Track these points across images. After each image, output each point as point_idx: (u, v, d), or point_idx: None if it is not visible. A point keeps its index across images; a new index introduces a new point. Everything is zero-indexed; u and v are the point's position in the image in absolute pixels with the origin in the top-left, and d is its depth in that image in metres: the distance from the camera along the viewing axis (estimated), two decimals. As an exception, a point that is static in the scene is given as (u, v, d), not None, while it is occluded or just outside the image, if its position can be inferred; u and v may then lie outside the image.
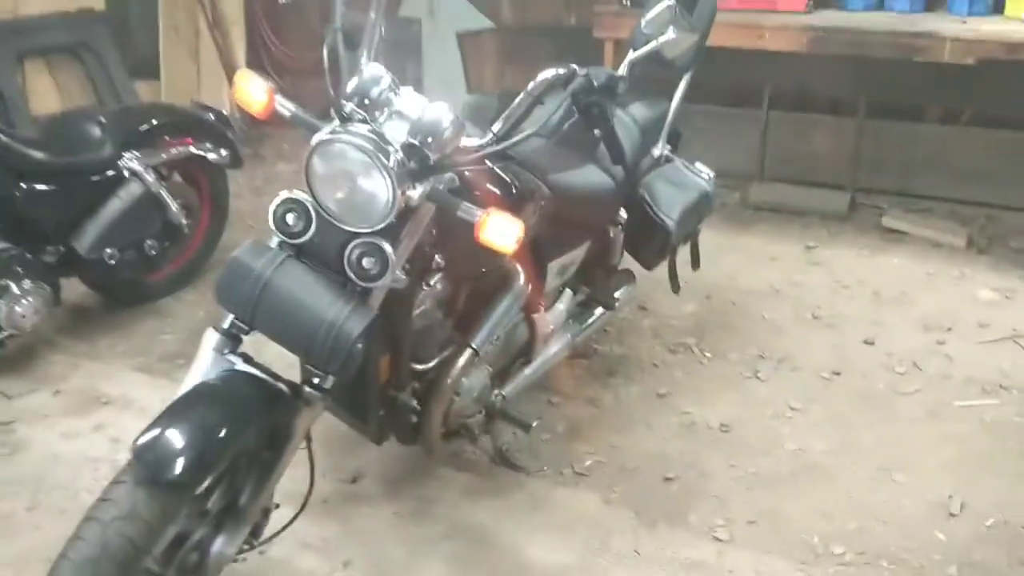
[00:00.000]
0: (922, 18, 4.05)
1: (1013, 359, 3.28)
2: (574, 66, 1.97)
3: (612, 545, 2.48)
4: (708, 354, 3.36)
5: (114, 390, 3.16)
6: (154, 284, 3.71)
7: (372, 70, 1.91)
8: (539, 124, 1.93)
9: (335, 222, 1.87)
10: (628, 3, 4.36)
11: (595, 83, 1.94)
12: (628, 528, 2.54)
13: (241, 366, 1.92)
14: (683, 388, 3.16)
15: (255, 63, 5.90)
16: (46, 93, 5.16)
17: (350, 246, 1.88)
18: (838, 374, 3.23)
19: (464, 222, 1.87)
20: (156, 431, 1.73)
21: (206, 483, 1.79)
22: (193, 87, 5.74)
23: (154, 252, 3.49)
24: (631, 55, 2.06)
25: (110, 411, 3.05)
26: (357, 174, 1.82)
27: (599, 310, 3.00)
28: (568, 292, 2.87)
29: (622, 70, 2.05)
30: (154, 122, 3.54)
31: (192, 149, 3.61)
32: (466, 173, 1.99)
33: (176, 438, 1.72)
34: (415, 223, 1.95)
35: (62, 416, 3.03)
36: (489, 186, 2.10)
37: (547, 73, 1.96)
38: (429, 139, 1.84)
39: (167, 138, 3.55)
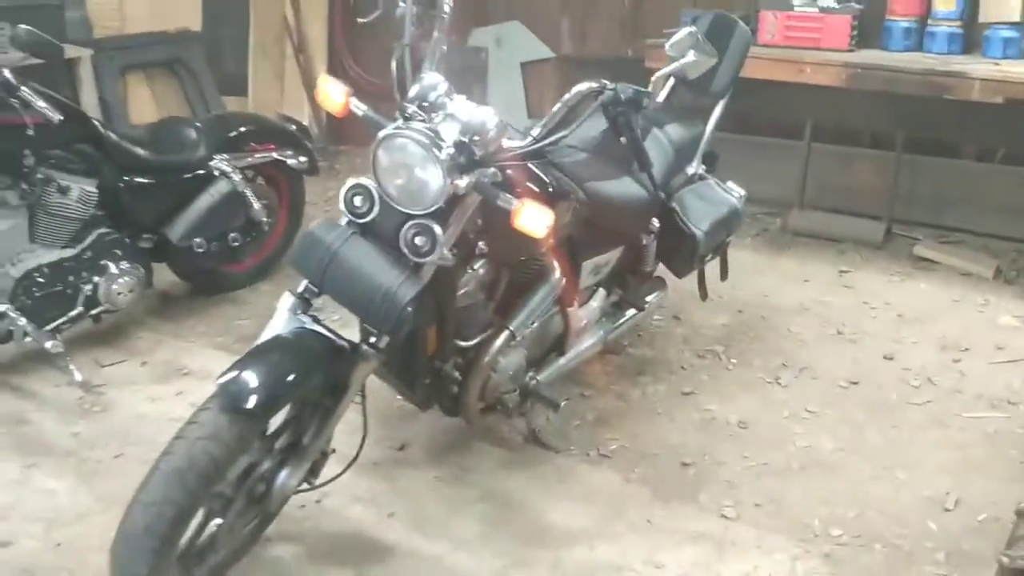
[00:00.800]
0: (958, 59, 4.27)
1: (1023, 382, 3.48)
2: (604, 81, 2.29)
3: (627, 515, 2.75)
4: (734, 361, 3.61)
5: (194, 364, 3.54)
6: (234, 275, 4.11)
7: (431, 78, 2.26)
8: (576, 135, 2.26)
9: (395, 205, 2.21)
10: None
11: (622, 96, 2.26)
12: (643, 502, 2.81)
13: (310, 325, 2.27)
14: (706, 389, 3.42)
15: (334, 85, 6.34)
16: (144, 103, 5.68)
17: (406, 226, 2.22)
18: (855, 383, 3.45)
19: (504, 212, 2.19)
20: (238, 370, 2.08)
21: (276, 419, 2.12)
22: (277, 104, 6.20)
23: (236, 244, 3.88)
24: (657, 74, 2.37)
25: (190, 381, 3.43)
26: (414, 164, 2.16)
27: (631, 311, 3.29)
28: (601, 291, 3.16)
29: (650, 87, 2.34)
30: (242, 129, 3.96)
31: (275, 155, 4.01)
32: (507, 170, 2.31)
33: (253, 376, 2.06)
34: (461, 210, 2.28)
35: (148, 383, 3.42)
36: (528, 183, 2.42)
37: (581, 86, 2.29)
38: (476, 137, 2.18)
39: (253, 144, 3.96)
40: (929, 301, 4.12)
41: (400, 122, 2.23)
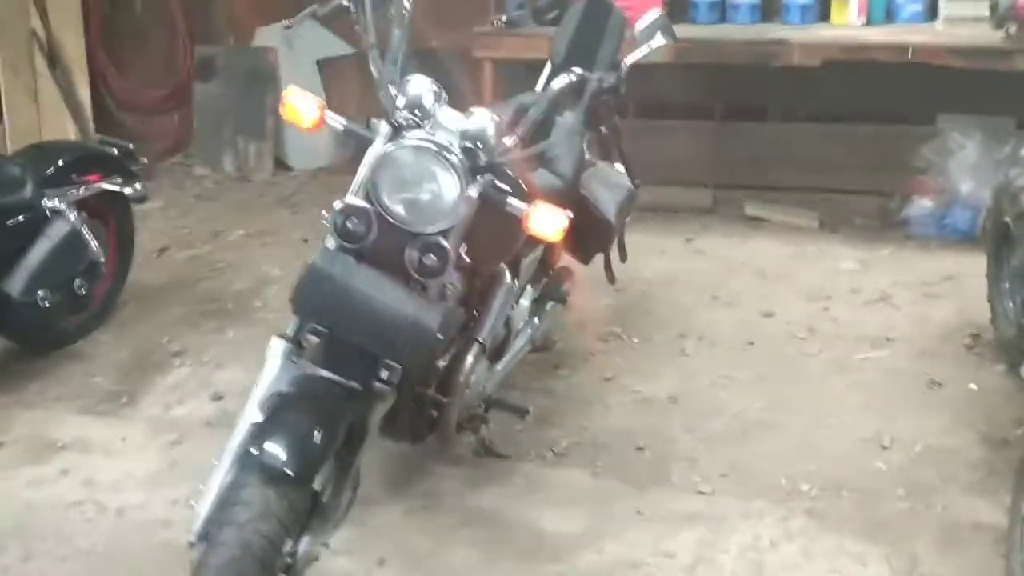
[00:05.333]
0: (765, 28, 4.57)
1: (888, 317, 3.80)
2: (578, 70, 2.22)
3: (614, 510, 2.70)
4: (636, 339, 3.66)
5: (66, 435, 3.06)
6: (69, 327, 3.59)
7: (419, 82, 2.07)
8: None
9: (400, 224, 2.00)
10: (504, 23, 4.63)
11: (604, 84, 2.19)
12: (622, 494, 2.77)
13: (310, 370, 2.01)
14: (624, 370, 3.44)
15: (97, 100, 5.71)
16: None
17: (411, 246, 2.02)
18: (752, 344, 3.62)
19: (497, 219, 2.05)
20: (270, 436, 1.81)
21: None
22: (35, 128, 5.48)
23: (83, 291, 3.39)
24: (629, 58, 2.31)
25: (71, 455, 2.96)
26: (427, 177, 1.97)
27: (550, 305, 3.23)
28: (529, 289, 3.08)
29: (622, 72, 2.29)
30: (64, 159, 3.46)
31: (104, 185, 3.53)
32: (506, 173, 2.16)
33: (284, 441, 1.81)
34: (463, 221, 2.11)
35: (19, 466, 2.92)
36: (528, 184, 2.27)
37: (563, 79, 2.19)
38: (479, 143, 2.02)
39: (77, 175, 3.47)
40: (776, 257, 4.39)
41: (390, 132, 2.02)
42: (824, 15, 4.67)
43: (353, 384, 2.03)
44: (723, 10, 4.79)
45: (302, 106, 2.02)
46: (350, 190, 2.08)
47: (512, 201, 2.04)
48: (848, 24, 4.55)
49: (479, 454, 2.92)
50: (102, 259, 3.50)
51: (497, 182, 2.08)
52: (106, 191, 3.56)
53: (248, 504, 1.72)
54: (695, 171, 5.04)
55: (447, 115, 2.06)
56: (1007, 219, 3.33)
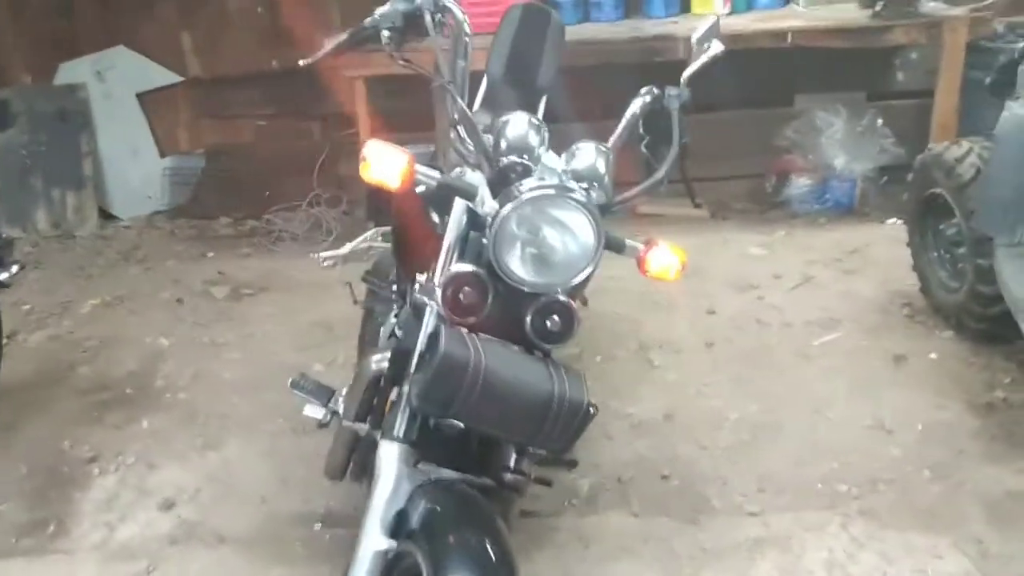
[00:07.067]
0: (638, 24, 4.52)
1: (821, 298, 3.86)
2: (653, 87, 2.01)
3: (678, 552, 2.53)
4: (598, 358, 3.49)
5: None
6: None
7: (520, 121, 1.77)
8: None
9: (521, 287, 1.70)
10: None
11: (681, 98, 1.99)
12: (674, 531, 2.60)
13: (436, 473, 1.68)
14: (606, 393, 3.24)
15: None
16: None
17: (529, 311, 1.73)
18: (712, 345, 3.55)
19: None
20: (450, 570, 1.47)
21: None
22: None
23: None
24: (688, 71, 2.11)
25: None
26: (560, 227, 1.69)
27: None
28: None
29: (681, 85, 2.09)
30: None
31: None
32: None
33: (480, 559, 1.49)
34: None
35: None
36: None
37: (643, 98, 1.99)
38: (595, 183, 1.77)
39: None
40: (686, 251, 4.33)
41: (494, 181, 1.72)
42: (686, 7, 4.70)
43: (486, 481, 1.72)
44: (586, 9, 4.70)
45: (387, 162, 1.66)
46: (444, 256, 1.75)
47: (629, 243, 1.81)
48: (713, 14, 4.58)
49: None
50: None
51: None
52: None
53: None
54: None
55: (549, 156, 1.79)
56: (937, 191, 3.46)
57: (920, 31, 4.23)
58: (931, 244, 3.62)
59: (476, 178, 1.74)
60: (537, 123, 1.80)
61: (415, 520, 1.62)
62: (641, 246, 1.82)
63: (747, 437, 3.01)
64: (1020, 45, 3.29)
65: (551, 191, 1.67)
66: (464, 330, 1.67)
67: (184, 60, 4.92)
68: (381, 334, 2.55)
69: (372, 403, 2.10)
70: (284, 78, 4.90)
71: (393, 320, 2.49)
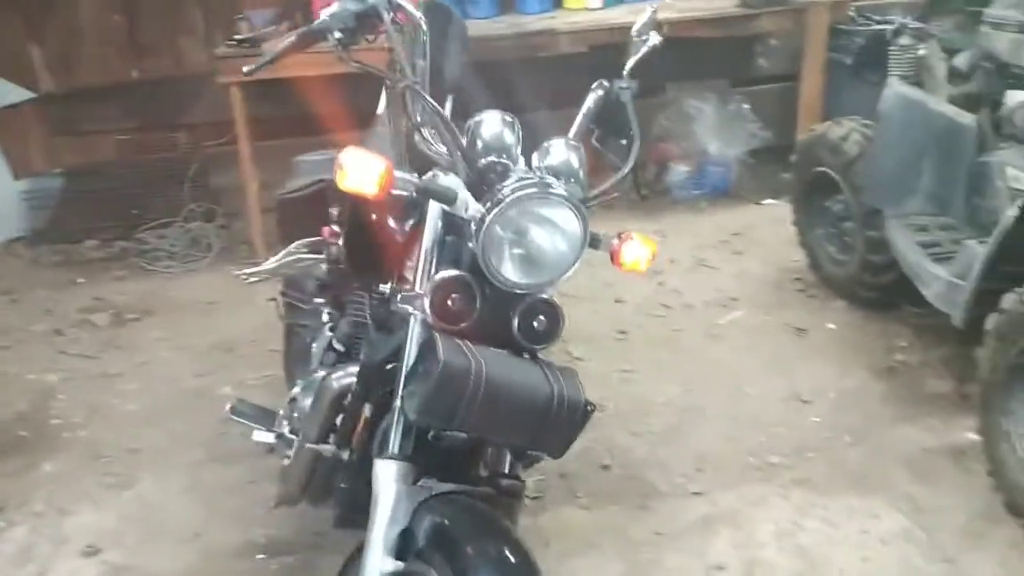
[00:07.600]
0: (517, 20, 4.53)
1: (716, 279, 4.00)
2: (603, 81, 2.02)
3: (634, 537, 2.57)
4: (516, 355, 3.48)
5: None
6: None
7: (494, 119, 1.73)
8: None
9: (508, 288, 1.67)
10: (250, 43, 4.10)
11: (632, 90, 2.01)
12: (627, 519, 2.64)
13: (438, 487, 1.63)
14: (530, 390, 3.26)
15: None
16: None
17: (515, 312, 1.70)
18: (625, 332, 3.61)
19: None
20: (481, 573, 1.45)
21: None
22: None
23: None
24: (629, 62, 2.11)
25: None
26: (546, 224, 1.65)
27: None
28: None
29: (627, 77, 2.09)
30: None
31: None
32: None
33: (504, 566, 1.46)
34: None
35: None
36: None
37: (595, 92, 1.99)
38: (572, 179, 1.75)
39: None
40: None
41: (471, 183, 1.68)
42: (558, 2, 4.75)
43: (487, 490, 1.68)
44: (461, 6, 4.67)
45: (364, 168, 1.58)
46: (423, 262, 1.69)
47: (603, 236, 1.80)
48: (587, 8, 4.66)
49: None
50: None
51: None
52: None
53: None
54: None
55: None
56: (823, 169, 3.63)
57: (787, 17, 4.44)
58: (818, 221, 3.81)
59: (453, 181, 1.69)
60: (511, 120, 1.77)
61: (423, 538, 1.56)
62: (615, 239, 1.81)
63: (675, 420, 3.08)
64: (888, 28, 3.48)
65: (534, 189, 1.64)
66: (455, 337, 1.63)
67: (36, 75, 4.57)
68: (314, 349, 2.45)
69: (334, 423, 2.02)
70: (146, 89, 4.66)
71: (329, 334, 2.40)
